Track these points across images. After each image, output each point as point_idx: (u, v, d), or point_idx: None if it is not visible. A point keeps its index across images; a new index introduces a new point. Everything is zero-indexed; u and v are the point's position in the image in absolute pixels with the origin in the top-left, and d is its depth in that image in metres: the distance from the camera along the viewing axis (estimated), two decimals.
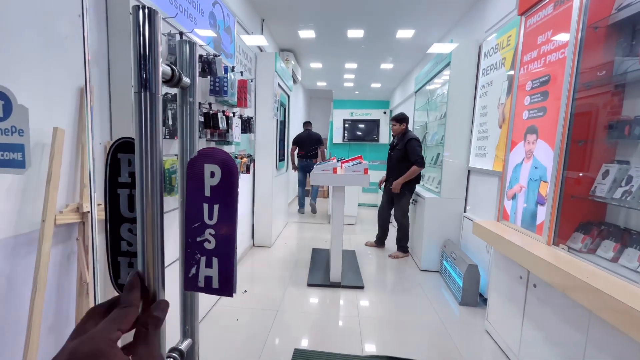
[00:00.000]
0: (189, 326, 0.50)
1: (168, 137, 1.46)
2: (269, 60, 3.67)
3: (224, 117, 2.10)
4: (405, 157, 3.47)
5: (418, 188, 3.74)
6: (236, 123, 2.34)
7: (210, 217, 0.41)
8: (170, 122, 1.47)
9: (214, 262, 0.42)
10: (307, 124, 5.89)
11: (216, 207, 0.41)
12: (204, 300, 2.30)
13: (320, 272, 3.15)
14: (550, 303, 1.59)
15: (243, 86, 2.50)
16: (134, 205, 0.43)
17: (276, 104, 3.87)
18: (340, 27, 4.16)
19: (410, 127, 3.82)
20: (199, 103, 1.83)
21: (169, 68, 0.39)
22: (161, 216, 0.38)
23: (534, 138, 1.82)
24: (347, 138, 9.03)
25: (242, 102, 2.53)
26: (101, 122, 1.41)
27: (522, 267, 1.78)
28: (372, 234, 4.39)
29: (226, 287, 0.42)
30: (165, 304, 0.35)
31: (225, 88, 2.09)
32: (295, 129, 7.26)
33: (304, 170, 5.74)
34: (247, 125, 2.62)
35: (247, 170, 2.65)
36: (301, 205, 6.22)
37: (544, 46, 1.79)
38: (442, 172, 3.24)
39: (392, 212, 3.83)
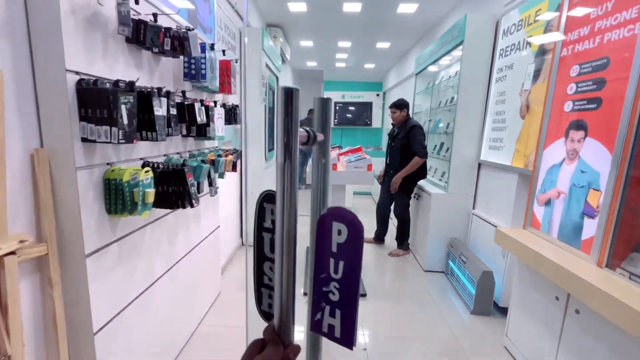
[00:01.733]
0: None
1: (123, 140, 1.07)
2: (255, 37, 3.20)
3: (203, 107, 1.69)
4: (408, 147, 3.15)
5: (421, 181, 3.44)
6: (218, 113, 1.94)
7: (336, 272, 0.43)
8: (126, 122, 1.08)
9: (336, 313, 0.44)
10: (310, 112, 6.27)
11: (341, 263, 0.43)
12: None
13: None
14: (600, 337, 1.34)
15: (226, 68, 2.07)
16: (273, 248, 0.51)
17: (264, 87, 3.44)
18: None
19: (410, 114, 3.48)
20: (168, 92, 1.42)
21: (305, 132, 0.43)
22: (294, 261, 0.41)
23: (581, 135, 1.52)
24: (338, 122, 8.63)
25: (225, 87, 2.11)
26: (22, 123, 1.01)
27: (560, 288, 1.52)
28: (369, 227, 4.12)
29: (347, 339, 0.44)
30: (298, 349, 0.39)
31: (203, 71, 1.68)
32: None
33: (302, 152, 6.12)
34: (232, 115, 2.21)
35: (234, 168, 2.27)
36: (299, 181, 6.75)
37: (600, 21, 1.45)
38: (450, 164, 2.94)
39: (392, 207, 3.55)
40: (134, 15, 1.27)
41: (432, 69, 3.92)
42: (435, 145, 3.72)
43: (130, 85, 1.09)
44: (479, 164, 2.91)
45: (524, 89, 2.26)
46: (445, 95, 3.72)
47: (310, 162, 5.65)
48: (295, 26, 4.70)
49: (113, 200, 1.22)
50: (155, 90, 1.23)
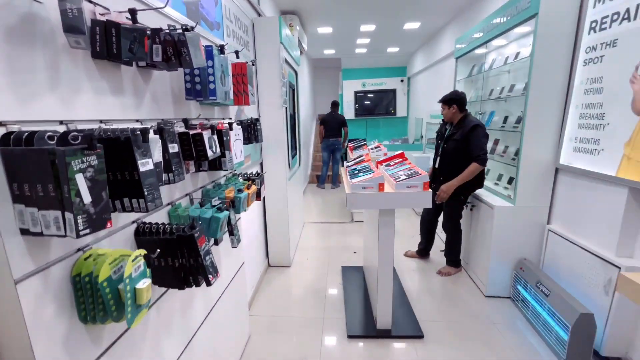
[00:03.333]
0: None
1: (87, 230, 0.64)
2: (271, 28, 2.70)
3: (215, 135, 1.24)
4: (465, 151, 2.60)
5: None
6: (236, 135, 1.49)
7: None
8: (88, 200, 0.64)
9: None
10: (333, 105, 6.31)
11: None
12: None
13: (359, 310, 2.43)
14: None
15: (241, 73, 1.61)
16: None
17: (284, 87, 2.95)
18: None
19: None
20: (161, 127, 0.97)
21: None
22: None
23: None
24: (360, 112, 8.04)
25: (240, 98, 1.65)
26: None
27: None
28: (408, 239, 3.64)
29: None
30: None
31: (211, 84, 1.22)
32: (305, 111, 6.31)
33: (329, 149, 6.28)
34: (252, 131, 1.76)
35: (258, 196, 1.83)
36: (322, 182, 6.61)
37: None
38: (518, 170, 2.38)
39: (440, 219, 3.03)
40: (100, 14, 0.82)
41: (480, 51, 3.29)
42: (490, 146, 3.13)
43: (89, 140, 0.64)
44: (557, 169, 2.34)
45: (639, 74, 1.67)
46: (499, 83, 3.10)
47: (339, 158, 5.19)
48: (313, 11, 4.14)
49: (90, 305, 0.80)
50: (139, 132, 0.78)
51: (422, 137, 6.52)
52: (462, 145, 2.59)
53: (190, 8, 1.37)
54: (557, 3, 2.09)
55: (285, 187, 3.02)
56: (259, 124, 1.78)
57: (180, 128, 1.18)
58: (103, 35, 0.81)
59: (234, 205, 1.36)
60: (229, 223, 1.34)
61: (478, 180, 2.67)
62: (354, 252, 3.52)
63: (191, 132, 1.14)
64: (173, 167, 1.03)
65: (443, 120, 2.88)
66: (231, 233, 1.36)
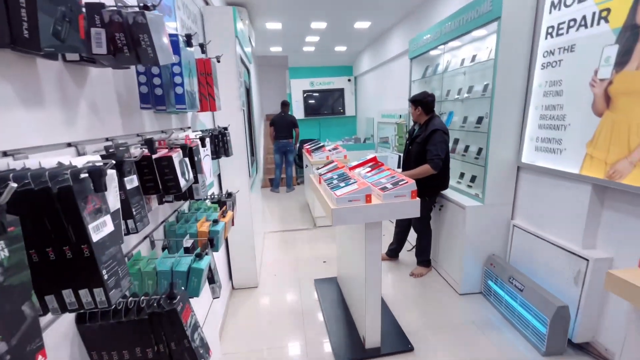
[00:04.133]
0: None
1: None
2: (225, 19, 2.35)
3: (185, 153, 0.93)
4: (424, 152, 2.60)
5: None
6: (206, 151, 1.18)
7: None
8: None
9: None
10: (283, 105, 6.08)
11: None
12: None
13: (343, 329, 2.26)
14: None
15: (206, 72, 1.29)
16: None
17: (242, 87, 2.62)
18: None
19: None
20: (107, 147, 0.66)
21: None
22: None
23: None
24: (310, 112, 7.89)
25: (206, 102, 1.33)
26: None
27: None
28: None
29: None
30: None
31: (178, 88, 0.90)
32: (257, 111, 5.91)
33: (280, 151, 6.04)
34: (221, 143, 1.44)
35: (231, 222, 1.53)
36: (276, 186, 6.38)
37: None
38: (486, 170, 2.45)
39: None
40: None
41: (435, 52, 3.36)
42: (451, 146, 3.21)
43: None
44: (518, 167, 2.45)
45: (599, 78, 1.77)
46: (455, 84, 3.20)
47: (292, 160, 4.89)
48: (264, 4, 3.82)
49: None
50: (89, 174, 0.47)
51: (372, 136, 6.62)
52: (422, 148, 2.58)
53: None
54: (518, 7, 2.16)
55: (249, 199, 2.70)
56: (228, 133, 1.47)
57: (135, 149, 0.85)
58: (4, 9, 0.48)
59: (212, 243, 1.06)
60: (209, 269, 1.03)
61: (441, 181, 2.70)
62: (324, 262, 3.34)
63: (155, 155, 0.82)
64: (133, 210, 0.72)
65: (414, 122, 2.86)
66: (211, 280, 1.06)
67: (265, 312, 2.55)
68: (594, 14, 1.79)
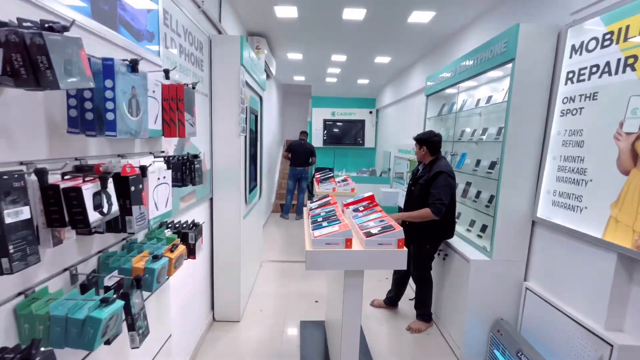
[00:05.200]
0: None
1: None
2: (231, 47, 2.39)
3: (103, 185, 0.84)
4: (427, 195, 2.38)
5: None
6: (160, 177, 1.10)
7: None
8: None
9: None
10: (302, 134, 6.16)
11: None
12: None
13: None
14: None
15: (176, 98, 1.24)
16: None
17: (244, 114, 2.61)
18: (334, 2, 2.94)
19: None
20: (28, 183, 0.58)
21: None
22: None
23: None
24: (328, 140, 7.89)
25: (173, 127, 1.27)
26: None
27: None
28: (378, 287, 3.32)
29: None
30: None
31: (109, 114, 0.84)
32: (269, 137, 5.98)
33: (295, 177, 5.98)
34: (188, 171, 1.37)
35: (191, 255, 1.42)
36: (286, 212, 6.23)
37: None
38: (495, 221, 2.20)
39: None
40: None
41: (451, 90, 3.23)
42: (463, 188, 2.98)
43: None
44: (533, 222, 2.18)
45: (624, 131, 1.55)
46: (470, 124, 3.02)
47: (305, 187, 4.76)
48: (283, 36, 3.93)
49: None
50: None
51: (389, 169, 6.44)
52: (425, 190, 2.37)
53: (100, 6, 1.00)
54: (533, 50, 2.01)
55: (239, 227, 2.60)
56: (198, 161, 1.40)
57: (55, 173, 0.77)
58: None
59: (139, 284, 0.94)
60: (128, 313, 0.91)
61: (446, 230, 2.47)
62: (316, 301, 3.11)
63: (63, 184, 0.74)
64: (10, 246, 0.62)
65: (418, 162, 2.69)
66: (131, 327, 0.93)
67: (242, 351, 2.35)
68: (618, 60, 1.60)
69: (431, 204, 2.29)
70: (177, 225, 1.43)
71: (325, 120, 7.85)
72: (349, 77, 6.21)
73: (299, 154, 5.91)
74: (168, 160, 1.17)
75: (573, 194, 1.84)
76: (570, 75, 1.90)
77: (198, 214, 2.28)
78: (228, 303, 2.70)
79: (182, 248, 1.22)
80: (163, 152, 1.48)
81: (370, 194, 2.34)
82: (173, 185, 1.35)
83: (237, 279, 2.66)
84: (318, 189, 4.32)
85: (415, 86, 4.82)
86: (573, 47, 1.89)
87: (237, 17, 3.33)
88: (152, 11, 1.33)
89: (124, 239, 1.18)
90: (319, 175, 4.75)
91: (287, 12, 3.14)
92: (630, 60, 1.54)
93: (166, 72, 1.16)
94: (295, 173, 5.98)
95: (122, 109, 0.85)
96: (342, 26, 3.46)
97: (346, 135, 7.94)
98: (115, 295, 0.83)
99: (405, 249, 1.60)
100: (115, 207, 0.85)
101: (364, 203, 2.22)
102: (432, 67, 4.07)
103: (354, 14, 3.11)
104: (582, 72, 1.82)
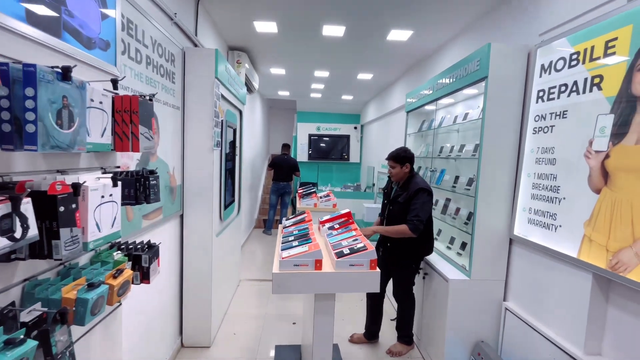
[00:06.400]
0: None
1: None
2: (205, 61, 2.34)
3: (44, 201, 0.75)
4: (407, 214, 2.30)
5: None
6: (105, 195, 1.00)
7: None
8: None
9: None
10: (284, 147, 6.10)
11: None
12: None
13: None
14: None
15: (129, 110, 1.16)
16: None
17: (219, 128, 2.54)
18: (313, 19, 2.96)
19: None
20: None
21: None
22: None
23: None
24: (313, 155, 7.86)
25: (126, 141, 1.18)
26: None
27: None
28: (355, 319, 3.19)
29: None
30: None
31: (30, 126, 0.75)
32: (252, 152, 5.90)
33: (278, 192, 5.90)
34: (143, 187, 1.27)
35: (145, 278, 1.30)
36: (269, 227, 6.11)
37: None
38: (473, 238, 2.16)
39: (390, 288, 2.66)
40: None
41: (429, 107, 3.25)
42: (443, 205, 2.96)
43: None
44: (510, 240, 2.15)
45: (594, 150, 1.55)
46: (449, 140, 3.03)
47: (288, 202, 4.59)
48: (265, 51, 3.93)
49: None
50: None
51: (373, 185, 6.43)
52: (406, 208, 2.31)
53: (37, 10, 0.92)
54: (505, 68, 2.04)
55: (211, 245, 2.47)
56: (155, 177, 1.30)
57: None
58: None
59: (64, 318, 0.82)
60: (48, 354, 0.79)
61: (426, 246, 2.40)
62: (293, 323, 2.96)
63: None
64: None
65: (389, 176, 2.62)
66: None
67: None
68: (585, 79, 1.62)
69: (409, 221, 2.23)
70: (131, 247, 1.32)
71: (310, 135, 7.85)
72: (333, 93, 6.26)
73: (281, 168, 5.85)
74: (114, 177, 1.08)
75: (547, 212, 1.82)
76: (541, 93, 1.92)
77: (165, 232, 2.15)
78: (198, 327, 2.53)
79: (128, 273, 1.11)
80: (119, 167, 1.38)
81: (347, 210, 2.28)
82: (125, 204, 1.25)
83: (208, 300, 2.51)
84: (300, 204, 4.23)
85: (397, 103, 4.87)
86: (542, 66, 1.92)
87: (217, 31, 3.30)
88: (108, 19, 1.26)
89: (61, 264, 1.06)
90: (302, 191, 4.68)
91: (266, 27, 3.13)
92: (597, 80, 1.56)
93: (114, 82, 1.08)
94: (278, 188, 5.91)
95: (48, 120, 0.76)
96: (323, 42, 3.48)
97: (332, 150, 7.94)
98: (27, 335, 0.72)
99: (378, 270, 1.53)
100: (33, 232, 0.75)
101: (340, 220, 2.15)
102: (413, 84, 4.13)
103: (333, 30, 3.14)
104: (551, 90, 1.84)
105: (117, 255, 1.24)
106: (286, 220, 2.34)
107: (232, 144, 3.26)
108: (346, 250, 1.58)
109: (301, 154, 7.75)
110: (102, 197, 1.04)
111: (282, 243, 1.73)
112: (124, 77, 1.17)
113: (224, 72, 2.58)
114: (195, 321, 2.52)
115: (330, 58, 4.07)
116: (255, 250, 5.17)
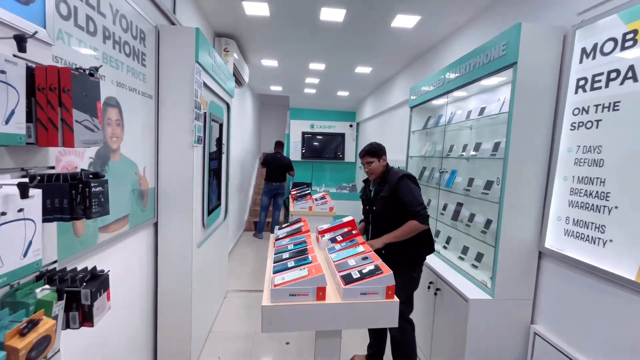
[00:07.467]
0: None
1: None
2: (184, 41, 1.98)
3: None
4: (397, 206, 1.97)
5: (439, 267, 2.32)
6: (8, 210, 0.64)
7: None
8: None
9: None
10: (278, 145, 5.66)
11: None
12: None
13: None
14: None
15: (54, 87, 0.80)
16: None
17: (200, 121, 2.18)
18: (310, 1, 2.61)
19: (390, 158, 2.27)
20: None
21: None
22: None
23: None
24: (307, 154, 7.52)
25: (53, 132, 0.83)
26: None
27: None
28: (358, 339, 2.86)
29: None
30: None
31: None
32: (242, 150, 5.52)
33: (270, 194, 5.53)
34: (80, 197, 0.92)
35: (86, 321, 0.95)
36: (260, 230, 5.74)
37: None
38: (497, 252, 1.85)
39: None
40: None
41: (438, 102, 2.95)
42: (454, 210, 2.66)
43: None
44: (540, 253, 1.86)
45: None
46: (459, 139, 2.73)
47: (281, 203, 4.12)
48: (255, 38, 3.56)
49: None
50: None
51: None
52: (391, 200, 1.99)
53: None
54: (538, 52, 1.74)
55: (191, 258, 2.12)
56: (99, 183, 0.95)
57: None
58: None
59: None
60: None
61: (429, 246, 2.07)
62: (287, 343, 2.63)
63: None
64: None
65: (365, 181, 2.31)
66: None
67: None
68: None
69: (415, 214, 1.90)
70: (67, 278, 0.96)
71: (304, 133, 7.49)
72: (328, 88, 5.93)
73: (274, 168, 5.49)
74: (24, 184, 0.72)
75: (592, 223, 1.52)
76: (582, 82, 1.62)
77: (133, 245, 1.79)
78: (175, 351, 2.18)
79: (48, 325, 0.76)
80: (53, 167, 1.02)
81: (350, 218, 1.96)
82: (54, 219, 0.89)
83: (187, 322, 2.16)
84: (293, 207, 3.89)
85: (398, 98, 4.57)
86: (584, 50, 1.62)
87: (201, 13, 2.93)
88: None
89: None
90: (295, 192, 4.33)
91: (257, 8, 2.78)
92: None
93: (18, 39, 0.71)
94: (270, 189, 5.55)
95: None
96: (320, 29, 3.15)
97: (326, 148, 7.60)
98: None
99: (396, 299, 1.20)
100: None
101: (343, 231, 1.82)
102: (416, 78, 3.83)
103: (333, 14, 2.80)
104: (597, 78, 1.55)
105: (43, 292, 0.88)
106: (279, 229, 2.00)
107: (219, 141, 2.90)
108: (355, 274, 1.25)
109: (294, 152, 7.39)
110: (4, 213, 0.69)
111: (275, 262, 1.40)
112: (36, 32, 0.80)
113: (207, 57, 2.22)
114: (171, 344, 2.16)
115: (328, 48, 3.73)
116: (245, 256, 4.81)
